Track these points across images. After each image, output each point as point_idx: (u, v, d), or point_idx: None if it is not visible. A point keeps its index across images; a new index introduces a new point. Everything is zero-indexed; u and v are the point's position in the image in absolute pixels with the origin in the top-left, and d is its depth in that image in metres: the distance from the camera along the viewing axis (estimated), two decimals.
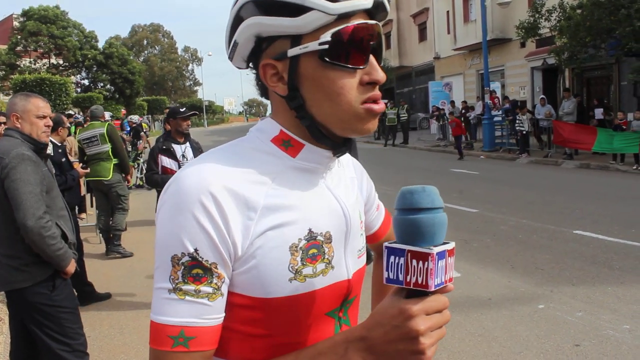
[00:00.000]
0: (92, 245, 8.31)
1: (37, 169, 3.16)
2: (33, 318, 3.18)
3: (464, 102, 24.54)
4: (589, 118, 17.27)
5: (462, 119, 22.59)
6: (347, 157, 1.21)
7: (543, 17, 18.02)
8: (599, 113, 16.82)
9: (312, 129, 0.99)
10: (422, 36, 37.06)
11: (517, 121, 17.81)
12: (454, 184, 13.04)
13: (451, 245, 0.87)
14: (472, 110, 22.84)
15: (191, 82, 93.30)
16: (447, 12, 31.85)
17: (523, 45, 23.42)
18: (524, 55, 25.13)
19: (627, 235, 7.55)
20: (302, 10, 0.91)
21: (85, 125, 8.55)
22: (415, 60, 38.08)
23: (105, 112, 9.44)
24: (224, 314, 0.95)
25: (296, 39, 0.94)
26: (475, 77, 30.09)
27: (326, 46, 0.92)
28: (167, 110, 6.50)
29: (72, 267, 3.26)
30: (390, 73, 34.75)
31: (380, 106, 0.97)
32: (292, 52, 0.94)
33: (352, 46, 0.92)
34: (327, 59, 0.92)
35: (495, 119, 20.42)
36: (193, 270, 0.90)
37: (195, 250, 0.90)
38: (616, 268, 6.26)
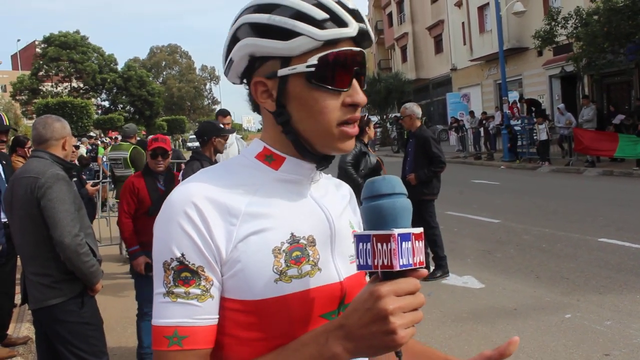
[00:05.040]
0: (117, 265, 8.39)
1: (70, 188, 3.26)
2: (60, 336, 3.23)
3: (484, 113, 24.37)
4: (609, 125, 16.99)
5: (482, 129, 22.46)
6: (343, 183, 1.31)
7: (559, 25, 17.92)
8: (618, 118, 16.51)
9: (297, 143, 1.08)
10: (438, 48, 37.11)
11: (535, 131, 17.65)
12: (474, 195, 12.95)
13: (418, 230, 0.91)
14: (492, 120, 22.68)
15: (209, 101, 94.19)
16: (463, 23, 31.88)
17: (540, 53, 23.27)
18: (541, 64, 25.01)
19: None
20: (292, 34, 0.99)
21: (114, 144, 8.58)
22: (432, 73, 38.09)
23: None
24: (216, 316, 1.01)
25: (286, 61, 1.02)
26: (492, 87, 30.00)
27: (313, 69, 1.00)
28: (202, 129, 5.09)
29: (100, 284, 3.34)
30: (407, 86, 34.78)
31: (354, 130, 1.06)
32: (282, 72, 1.03)
33: (336, 70, 1.01)
34: (314, 81, 1.01)
35: (515, 128, 20.27)
36: (182, 273, 0.99)
37: (182, 255, 0.99)
38: None
